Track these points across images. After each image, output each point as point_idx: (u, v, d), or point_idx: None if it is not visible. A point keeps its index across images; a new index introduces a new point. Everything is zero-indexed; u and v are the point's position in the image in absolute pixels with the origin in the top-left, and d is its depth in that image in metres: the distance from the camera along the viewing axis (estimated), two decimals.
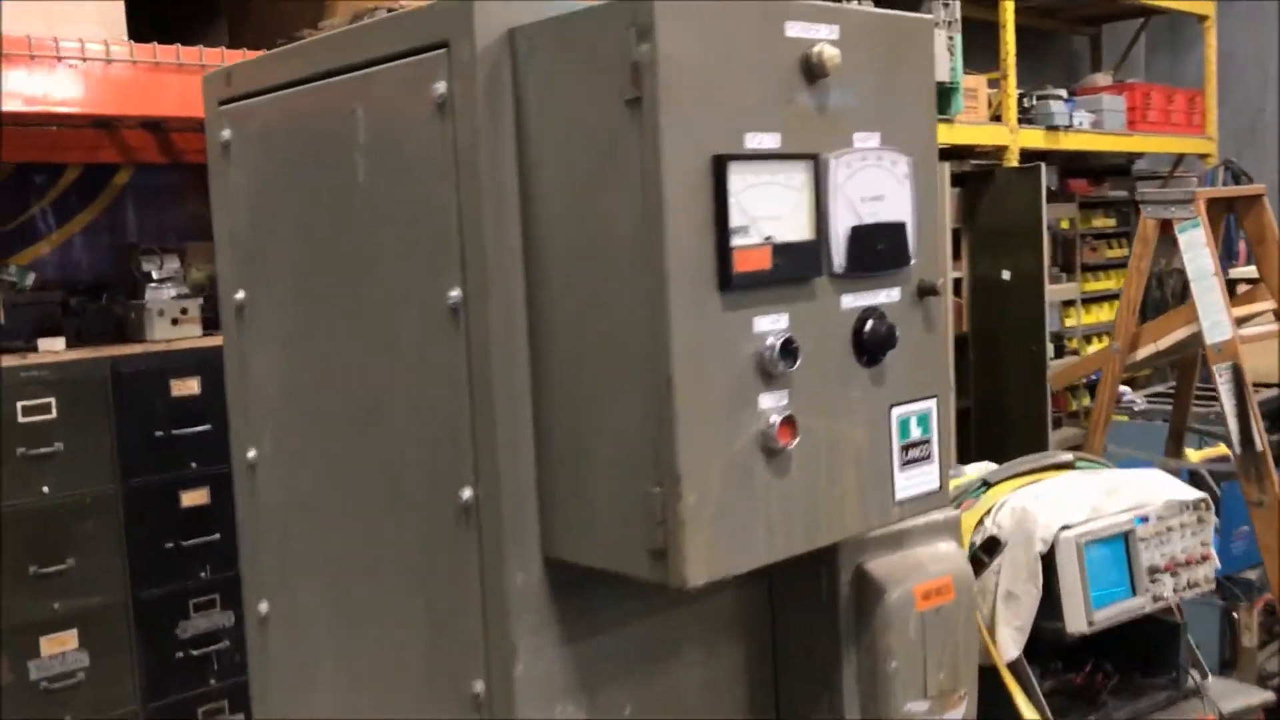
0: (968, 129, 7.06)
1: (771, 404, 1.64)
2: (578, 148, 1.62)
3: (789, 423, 1.64)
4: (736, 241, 1.57)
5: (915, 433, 1.84)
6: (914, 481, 1.85)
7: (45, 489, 4.40)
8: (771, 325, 1.63)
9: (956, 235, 7.17)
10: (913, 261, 1.81)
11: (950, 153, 7.13)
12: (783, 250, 1.63)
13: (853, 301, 1.74)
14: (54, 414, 4.38)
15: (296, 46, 2.00)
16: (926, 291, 1.83)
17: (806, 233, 1.66)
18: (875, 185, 1.75)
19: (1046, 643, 2.64)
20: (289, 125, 2.01)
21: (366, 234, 1.88)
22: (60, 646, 4.43)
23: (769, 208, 1.61)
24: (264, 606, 2.21)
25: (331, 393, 2.01)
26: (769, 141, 1.62)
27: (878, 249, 1.75)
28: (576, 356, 1.67)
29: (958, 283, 7.16)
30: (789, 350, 1.63)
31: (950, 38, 6.70)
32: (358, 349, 1.93)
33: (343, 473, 2.00)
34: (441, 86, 1.69)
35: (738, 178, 1.57)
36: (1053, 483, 2.66)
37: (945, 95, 6.74)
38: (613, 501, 1.63)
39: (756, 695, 2.02)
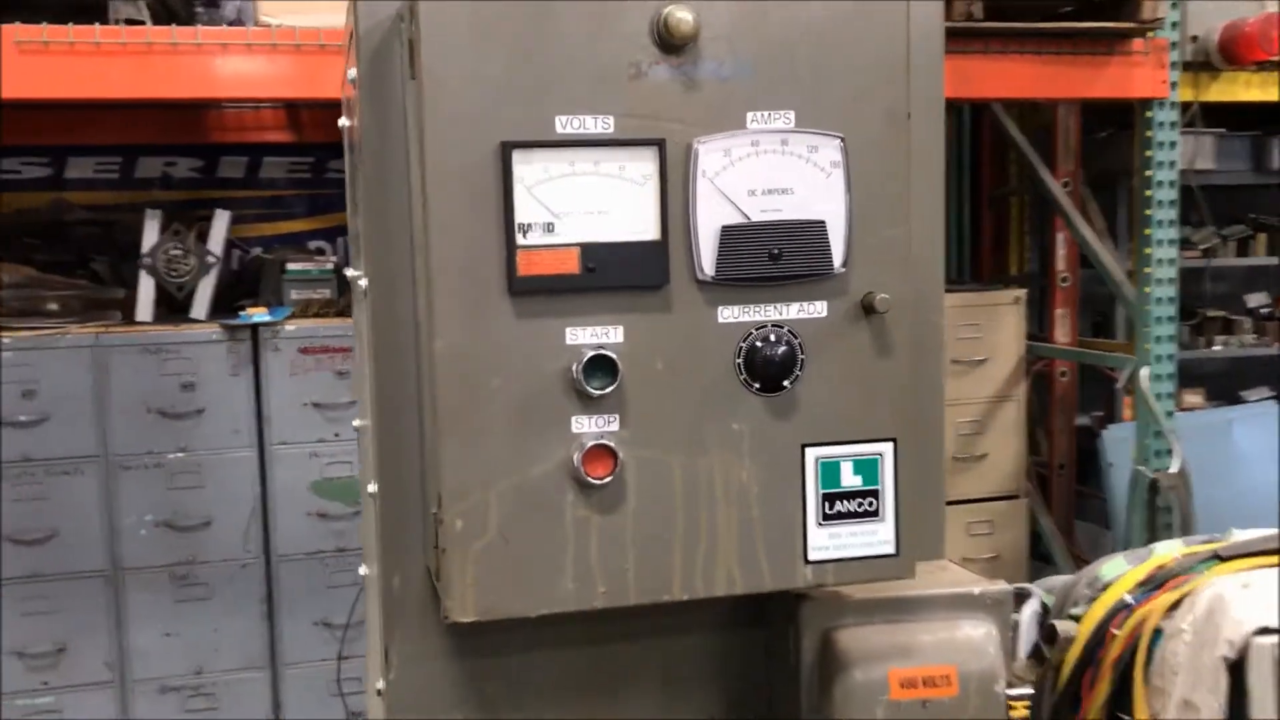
0: None
1: (590, 429, 1.38)
2: (409, 134, 1.46)
3: (602, 452, 1.37)
4: (526, 240, 1.34)
5: (850, 481, 1.46)
6: (844, 541, 1.46)
7: None
8: (593, 338, 1.37)
9: None
10: (839, 269, 1.42)
11: None
12: (604, 252, 1.36)
13: (737, 315, 1.41)
14: None
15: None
16: (870, 309, 1.43)
17: (652, 232, 1.37)
18: (777, 175, 1.39)
19: None
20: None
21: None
22: None
23: (589, 201, 1.35)
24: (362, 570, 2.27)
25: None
26: (596, 125, 1.35)
27: (772, 253, 1.40)
28: (421, 358, 1.52)
29: None
30: (602, 368, 1.36)
31: None
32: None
33: None
34: (353, 73, 1.61)
35: (537, 167, 1.34)
36: None
37: None
38: (428, 519, 1.47)
39: None
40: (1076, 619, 2.11)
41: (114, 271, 4.44)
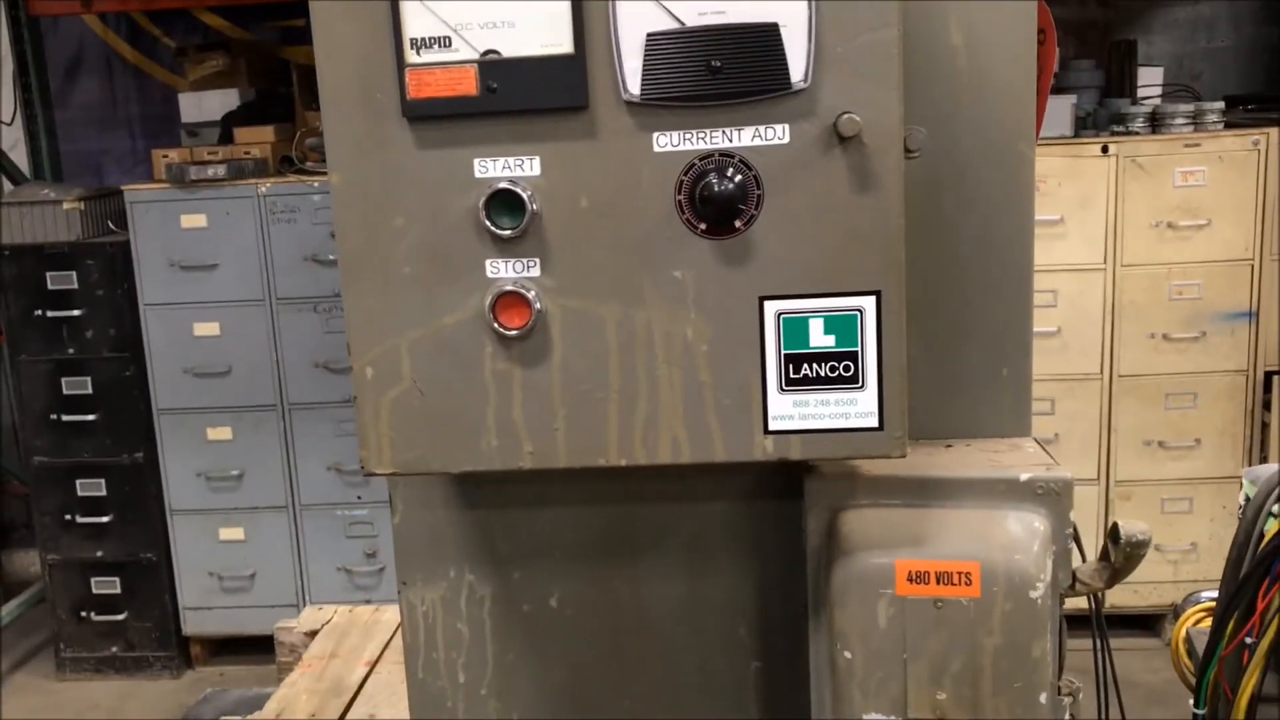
0: None
1: (507, 274, 1.21)
2: None
3: (515, 300, 1.20)
4: (420, 58, 1.16)
5: (821, 341, 1.20)
6: (813, 410, 1.21)
7: None
8: (505, 171, 1.19)
9: None
10: (800, 84, 1.14)
11: None
12: (507, 69, 1.15)
13: (676, 142, 1.17)
14: None
15: None
16: (844, 136, 1.14)
17: (565, 44, 1.15)
18: None
19: None
20: None
21: None
22: None
23: (492, 11, 1.15)
24: None
25: None
26: None
27: (712, 65, 1.14)
28: None
29: None
30: (508, 204, 1.18)
31: None
32: None
33: None
34: None
35: None
36: None
37: None
38: None
39: (761, 632, 1.52)
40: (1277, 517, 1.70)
41: None
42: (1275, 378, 4.11)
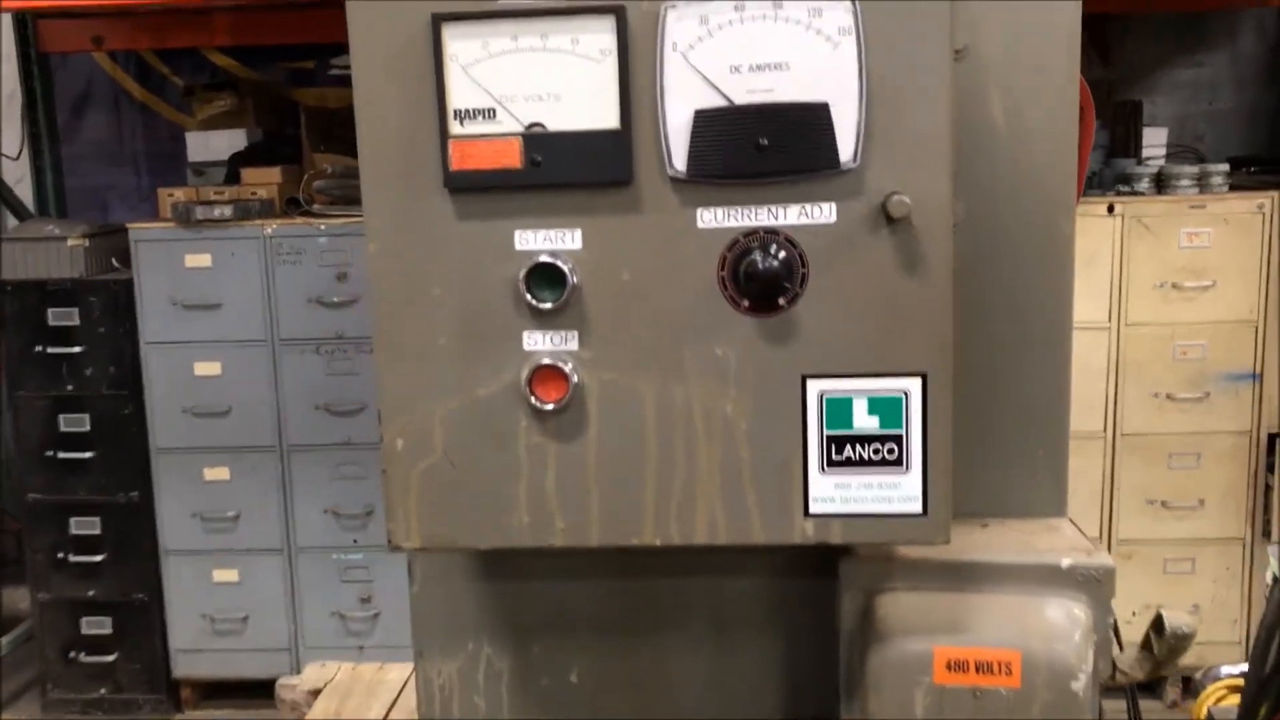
0: None
1: (544, 346, 1.18)
2: None
3: (552, 374, 1.17)
4: (464, 129, 1.14)
5: (864, 423, 1.17)
6: (855, 493, 1.18)
7: None
8: (546, 243, 1.16)
9: None
10: (849, 164, 1.12)
11: None
12: (552, 143, 1.13)
13: (721, 219, 1.14)
14: None
15: None
16: (893, 217, 1.12)
17: (611, 119, 1.13)
18: (768, 47, 1.10)
19: None
20: None
21: None
22: None
23: (537, 83, 1.13)
24: None
25: None
26: None
27: (759, 144, 1.11)
28: None
29: None
30: (548, 277, 1.15)
31: None
32: None
33: None
34: None
35: (474, 43, 1.13)
36: None
37: None
38: None
39: (790, 712, 1.49)
40: None
41: None
42: (1279, 440, 4.09)
